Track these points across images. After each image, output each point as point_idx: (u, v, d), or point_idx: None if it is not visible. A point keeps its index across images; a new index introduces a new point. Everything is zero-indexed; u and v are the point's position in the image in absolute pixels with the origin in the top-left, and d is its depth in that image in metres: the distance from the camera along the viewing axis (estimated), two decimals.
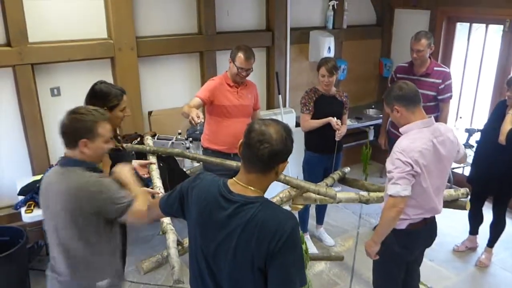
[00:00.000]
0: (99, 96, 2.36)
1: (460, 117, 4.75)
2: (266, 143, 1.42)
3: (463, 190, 2.82)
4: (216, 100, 3.26)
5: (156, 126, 4.12)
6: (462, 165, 4.24)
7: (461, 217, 3.51)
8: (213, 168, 3.14)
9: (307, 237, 3.87)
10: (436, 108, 3.70)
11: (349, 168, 3.44)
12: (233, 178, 1.54)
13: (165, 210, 1.74)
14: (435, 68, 3.66)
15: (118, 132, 2.63)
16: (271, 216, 1.44)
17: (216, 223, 1.50)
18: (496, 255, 3.72)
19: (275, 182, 1.62)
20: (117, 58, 3.75)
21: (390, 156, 2.27)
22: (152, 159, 3.14)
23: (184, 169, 3.72)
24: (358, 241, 3.73)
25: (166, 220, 2.47)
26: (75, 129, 1.85)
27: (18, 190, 3.29)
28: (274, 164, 1.47)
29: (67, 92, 3.68)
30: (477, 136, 4.03)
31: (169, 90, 4.20)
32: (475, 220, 3.76)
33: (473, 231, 3.83)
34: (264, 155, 1.43)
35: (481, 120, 4.45)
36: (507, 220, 3.62)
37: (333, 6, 4.88)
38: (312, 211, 4.02)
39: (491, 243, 3.65)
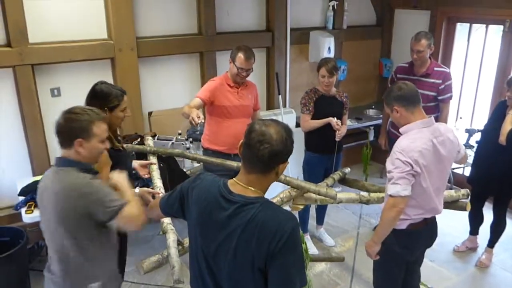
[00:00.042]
0: (99, 96, 2.36)
1: (460, 118, 4.75)
2: (266, 143, 1.42)
3: (463, 191, 2.82)
4: (216, 101, 3.26)
5: (156, 127, 4.12)
6: (462, 165, 4.24)
7: (462, 217, 3.51)
8: (213, 169, 3.14)
9: (307, 237, 3.87)
10: (436, 108, 3.70)
11: (349, 169, 3.44)
12: (233, 178, 1.54)
13: (165, 210, 1.75)
14: (435, 69, 3.66)
15: (118, 132, 2.62)
16: (271, 217, 1.44)
17: (216, 223, 1.50)
18: (497, 255, 3.72)
19: (275, 182, 1.63)
20: (117, 58, 3.75)
21: (390, 156, 2.27)
22: (153, 159, 3.15)
23: (184, 170, 3.73)
24: (358, 241, 3.73)
25: (167, 220, 2.47)
26: (70, 128, 1.84)
27: (19, 190, 3.29)
28: (274, 164, 1.47)
29: (67, 93, 3.68)
30: (477, 137, 4.04)
31: (169, 91, 4.20)
32: (476, 221, 3.76)
33: (474, 231, 3.83)
34: (264, 155, 1.43)
35: (481, 120, 4.45)
36: (508, 220, 3.62)
37: (333, 6, 4.88)
38: (312, 211, 4.02)
39: (492, 243, 3.65)
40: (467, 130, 4.34)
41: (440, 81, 3.61)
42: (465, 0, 4.50)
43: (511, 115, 3.21)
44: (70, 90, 3.67)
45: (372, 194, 2.89)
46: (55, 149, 3.60)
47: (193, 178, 1.65)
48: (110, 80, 3.66)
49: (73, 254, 1.87)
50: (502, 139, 3.17)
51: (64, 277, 1.92)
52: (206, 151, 3.45)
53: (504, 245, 3.82)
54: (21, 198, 3.20)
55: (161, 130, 4.07)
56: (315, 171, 3.61)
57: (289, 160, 1.52)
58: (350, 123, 4.58)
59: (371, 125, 5.01)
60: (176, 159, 3.53)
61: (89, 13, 3.66)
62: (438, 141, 2.27)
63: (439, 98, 3.66)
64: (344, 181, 3.36)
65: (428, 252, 2.64)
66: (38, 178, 3.31)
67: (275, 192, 2.87)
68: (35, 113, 3.54)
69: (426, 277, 3.04)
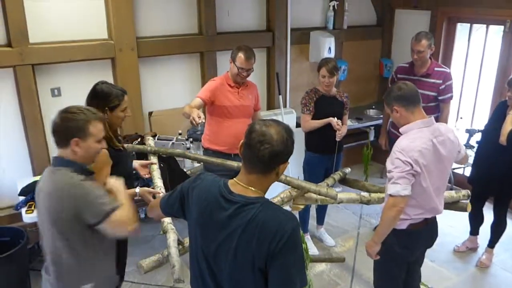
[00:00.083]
0: (100, 96, 2.36)
1: (461, 118, 4.75)
2: (267, 143, 1.42)
3: (464, 192, 2.82)
4: (217, 101, 3.26)
5: (156, 127, 4.12)
6: (463, 165, 4.24)
7: (462, 217, 3.51)
8: (214, 169, 3.14)
9: (307, 237, 3.87)
10: (437, 108, 3.70)
11: (349, 169, 3.45)
12: (234, 178, 1.54)
13: (165, 210, 1.74)
14: (436, 69, 3.66)
15: (118, 132, 2.62)
16: (271, 217, 1.44)
17: (216, 223, 1.50)
18: (497, 255, 3.72)
19: (276, 182, 1.63)
20: (118, 58, 3.75)
21: (390, 156, 2.28)
22: (153, 159, 3.15)
23: (185, 170, 3.73)
24: (358, 241, 3.73)
25: (167, 219, 2.48)
26: (66, 128, 1.83)
27: (19, 190, 3.29)
28: (274, 165, 1.47)
29: (67, 93, 3.68)
30: (477, 137, 4.03)
31: (170, 91, 4.20)
32: (476, 221, 3.76)
33: (474, 231, 3.83)
34: (265, 155, 1.43)
35: (481, 120, 4.45)
36: (508, 220, 3.62)
37: (333, 6, 4.88)
38: (313, 211, 4.02)
39: (492, 243, 3.65)
40: (467, 130, 4.34)
41: (441, 81, 3.61)
42: (466, 0, 4.50)
43: None
44: (71, 90, 3.67)
45: (373, 195, 2.89)
46: (56, 149, 3.62)
47: (194, 178, 1.65)
48: (111, 80, 3.66)
49: (65, 256, 1.86)
50: (503, 139, 3.17)
51: (57, 278, 1.92)
52: (207, 151, 3.45)
53: (505, 245, 3.82)
54: (22, 198, 3.21)
55: (162, 130, 4.07)
56: (315, 171, 3.61)
57: (289, 160, 1.52)
58: (350, 123, 4.58)
59: (372, 125, 5.01)
60: (177, 159, 3.52)
61: (90, 13, 3.66)
62: (438, 141, 2.27)
63: (440, 98, 3.65)
64: (344, 181, 3.36)
65: (428, 252, 2.64)
66: (38, 178, 3.29)
67: (276, 192, 2.87)
68: (36, 113, 3.54)
69: (426, 277, 3.04)
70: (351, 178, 3.37)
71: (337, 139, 3.44)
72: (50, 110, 3.60)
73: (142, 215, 4.05)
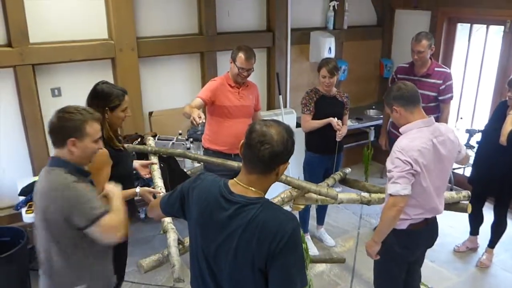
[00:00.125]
0: (100, 96, 2.36)
1: (461, 118, 4.75)
2: (267, 144, 1.42)
3: (464, 193, 2.83)
4: (217, 101, 3.26)
5: (156, 127, 4.12)
6: (463, 166, 4.24)
7: (462, 217, 3.51)
8: (214, 169, 3.14)
9: (307, 238, 3.87)
10: (437, 108, 3.70)
11: (350, 169, 3.45)
12: (234, 178, 1.54)
13: (165, 210, 1.74)
14: (436, 69, 3.66)
15: (119, 132, 2.62)
16: (272, 217, 1.44)
17: (216, 223, 1.50)
18: (497, 256, 3.72)
19: (276, 182, 1.62)
20: (118, 58, 3.75)
21: (390, 156, 2.28)
22: (154, 159, 3.15)
23: (185, 170, 3.73)
24: (358, 241, 3.73)
25: (167, 219, 2.48)
26: (63, 127, 1.82)
27: (19, 190, 3.30)
28: (274, 165, 1.47)
29: (67, 93, 3.68)
30: (478, 137, 4.03)
31: (170, 91, 4.20)
32: (476, 221, 3.76)
33: (474, 231, 3.83)
34: (265, 156, 1.43)
35: (481, 121, 4.45)
36: (508, 221, 3.61)
37: (333, 6, 4.88)
38: (313, 211, 4.02)
39: (492, 243, 3.65)
40: (467, 131, 4.34)
41: (441, 82, 3.61)
42: (466, 0, 4.50)
43: None
44: (71, 90, 3.67)
45: (373, 195, 2.89)
46: None
47: (194, 178, 1.65)
48: (111, 80, 3.66)
49: (56, 258, 1.85)
50: (503, 139, 3.17)
51: (50, 278, 1.91)
52: (207, 151, 3.45)
53: (505, 246, 3.82)
54: (22, 198, 3.21)
55: (162, 130, 4.07)
56: (315, 171, 3.61)
57: (289, 160, 1.52)
58: (350, 124, 4.58)
59: (372, 126, 5.01)
60: (177, 159, 3.53)
61: (90, 13, 3.66)
62: (438, 140, 2.27)
63: (440, 98, 3.65)
64: (344, 182, 3.36)
65: (428, 252, 2.64)
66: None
67: (276, 192, 2.87)
68: (36, 113, 3.54)
69: (426, 278, 3.04)
70: (351, 179, 3.37)
71: (337, 139, 3.44)
72: (50, 110, 3.54)
73: (143, 215, 4.06)
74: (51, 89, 3.63)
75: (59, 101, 3.61)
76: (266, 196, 1.54)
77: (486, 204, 3.68)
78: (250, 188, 1.49)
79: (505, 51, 4.35)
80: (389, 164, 2.26)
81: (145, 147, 3.34)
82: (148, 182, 3.23)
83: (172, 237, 2.38)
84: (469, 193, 2.85)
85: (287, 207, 2.82)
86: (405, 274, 2.55)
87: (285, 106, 4.71)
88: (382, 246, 2.37)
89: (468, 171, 4.33)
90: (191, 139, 3.96)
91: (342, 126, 3.46)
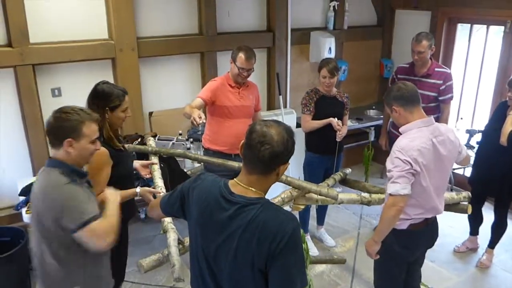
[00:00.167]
0: (101, 96, 2.36)
1: (461, 118, 4.75)
2: (267, 144, 1.42)
3: (464, 194, 2.83)
4: (217, 101, 3.26)
5: (156, 127, 4.12)
6: (464, 166, 4.24)
7: (462, 218, 3.50)
8: (214, 169, 3.14)
9: (307, 238, 3.87)
10: (437, 109, 3.70)
11: (350, 169, 3.44)
12: (234, 179, 1.54)
13: (166, 210, 1.74)
14: (436, 69, 3.66)
15: (119, 132, 2.62)
16: (272, 217, 1.44)
17: (217, 224, 1.50)
18: (497, 256, 3.72)
19: (277, 182, 1.62)
20: (118, 58, 3.75)
21: (390, 155, 2.28)
22: (154, 159, 3.15)
23: (185, 170, 3.73)
24: (358, 241, 3.73)
25: (167, 219, 2.48)
26: (59, 128, 1.81)
27: (19, 190, 3.30)
28: (274, 165, 1.47)
29: (68, 93, 3.68)
30: (478, 137, 4.03)
31: (170, 91, 4.20)
32: (475, 221, 3.76)
33: (474, 231, 3.83)
34: (265, 156, 1.43)
35: (482, 121, 4.45)
36: (509, 221, 3.61)
37: (333, 6, 4.88)
38: (313, 211, 4.02)
39: (492, 244, 3.65)
40: (468, 131, 4.34)
41: (441, 82, 3.61)
42: (466, 0, 4.50)
43: None
44: (71, 90, 3.67)
45: (374, 195, 2.89)
46: None
47: (194, 178, 1.65)
48: (111, 80, 3.65)
49: (49, 260, 1.83)
50: (503, 140, 3.17)
51: (43, 279, 1.90)
52: (207, 151, 3.44)
53: (505, 246, 3.82)
54: (22, 198, 3.21)
55: (162, 130, 4.07)
56: (315, 171, 3.61)
57: (289, 161, 1.52)
58: (350, 124, 4.58)
59: (372, 126, 5.01)
60: (177, 159, 3.52)
61: (90, 13, 3.66)
62: (438, 140, 2.28)
63: (440, 98, 3.65)
64: (345, 182, 3.36)
65: (428, 252, 2.64)
66: None
67: (277, 192, 2.87)
68: (36, 113, 3.54)
69: (426, 278, 3.03)
70: (352, 179, 3.37)
71: (338, 139, 3.43)
72: (50, 110, 3.55)
73: (143, 215, 4.06)
74: (51, 89, 3.63)
75: (59, 101, 3.61)
76: (266, 196, 1.54)
77: (487, 204, 3.68)
78: (250, 188, 1.49)
79: (505, 52, 4.35)
80: (389, 164, 2.26)
81: (145, 147, 3.34)
82: (148, 182, 3.23)
83: (172, 236, 2.38)
84: (469, 194, 2.85)
85: (287, 207, 2.82)
86: (405, 274, 2.55)
87: (285, 106, 4.71)
88: (382, 245, 2.37)
89: (468, 172, 4.33)
90: (191, 139, 3.96)
91: (342, 127, 3.46)
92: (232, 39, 4.22)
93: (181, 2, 4.07)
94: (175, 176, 3.32)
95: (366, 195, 2.92)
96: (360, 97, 5.45)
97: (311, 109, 3.50)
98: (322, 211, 4.03)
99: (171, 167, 3.40)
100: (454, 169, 4.35)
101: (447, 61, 4.83)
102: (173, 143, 3.81)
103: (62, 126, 1.81)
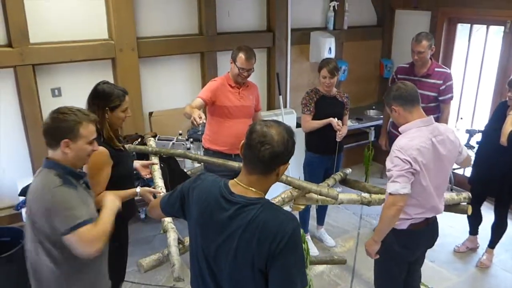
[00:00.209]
0: (101, 96, 2.36)
1: (461, 118, 4.75)
2: (267, 144, 1.42)
3: (465, 194, 2.83)
4: (217, 101, 3.26)
5: (156, 127, 4.12)
6: (466, 167, 4.23)
7: (462, 218, 3.50)
8: (214, 169, 3.14)
9: (307, 238, 3.87)
10: (437, 109, 3.70)
11: (350, 170, 3.44)
12: (234, 179, 1.54)
13: (166, 210, 1.74)
14: (436, 69, 3.66)
15: (119, 132, 2.62)
16: (272, 217, 1.44)
17: (217, 224, 1.50)
18: (497, 256, 3.72)
19: (277, 182, 1.62)
20: (118, 58, 3.75)
21: (389, 155, 2.28)
22: (154, 159, 3.15)
23: (185, 170, 3.73)
24: (358, 241, 3.73)
25: (167, 219, 2.48)
26: (56, 128, 1.80)
27: (19, 190, 3.30)
28: (275, 165, 1.47)
29: (68, 93, 3.68)
30: (478, 137, 4.03)
31: (170, 91, 4.20)
32: (475, 220, 3.76)
33: (473, 231, 3.83)
34: (265, 156, 1.43)
35: (482, 121, 4.45)
36: (509, 221, 3.61)
37: (333, 7, 4.88)
38: (313, 211, 4.02)
39: (493, 244, 3.65)
40: (467, 131, 4.34)
41: (441, 82, 3.61)
42: (466, 0, 4.50)
43: None
44: (71, 90, 3.67)
45: (374, 196, 2.89)
46: None
47: (194, 178, 1.65)
48: (111, 81, 3.65)
49: (43, 261, 1.81)
50: (503, 140, 3.17)
51: (36, 281, 1.89)
52: (207, 151, 3.44)
53: (505, 246, 3.82)
54: (22, 198, 3.21)
55: (162, 130, 4.07)
56: (315, 171, 3.61)
57: (289, 161, 1.52)
58: (350, 124, 4.58)
59: (372, 126, 5.00)
60: (177, 159, 3.52)
61: (90, 13, 3.66)
62: (438, 140, 2.28)
63: (440, 98, 3.66)
64: (345, 182, 3.36)
65: (428, 252, 2.64)
66: None
67: (277, 192, 2.87)
68: (36, 113, 3.54)
69: (426, 278, 3.03)
70: (352, 179, 3.37)
71: (338, 139, 3.43)
72: (51, 110, 3.60)
73: (143, 215, 4.06)
74: (51, 89, 3.64)
75: (59, 101, 3.61)
76: (266, 197, 1.54)
77: (487, 204, 3.68)
78: (250, 188, 1.49)
79: (505, 52, 4.35)
80: (388, 164, 2.26)
81: (145, 147, 3.34)
82: (148, 182, 3.23)
83: (172, 236, 2.38)
84: (470, 194, 2.85)
85: (287, 207, 2.82)
86: (405, 274, 2.55)
87: (285, 106, 4.71)
88: (382, 245, 2.37)
89: (468, 172, 4.33)
90: (191, 139, 3.96)
91: (342, 127, 3.46)
92: (232, 39, 4.22)
93: (181, 2, 4.07)
94: (175, 176, 3.32)
95: (366, 195, 2.92)
96: (360, 97, 5.46)
97: (311, 109, 3.50)
98: (322, 211, 4.03)
99: (171, 167, 3.39)
100: (454, 169, 4.36)
101: (447, 61, 4.83)
102: (173, 143, 3.81)
103: (59, 127, 1.80)
